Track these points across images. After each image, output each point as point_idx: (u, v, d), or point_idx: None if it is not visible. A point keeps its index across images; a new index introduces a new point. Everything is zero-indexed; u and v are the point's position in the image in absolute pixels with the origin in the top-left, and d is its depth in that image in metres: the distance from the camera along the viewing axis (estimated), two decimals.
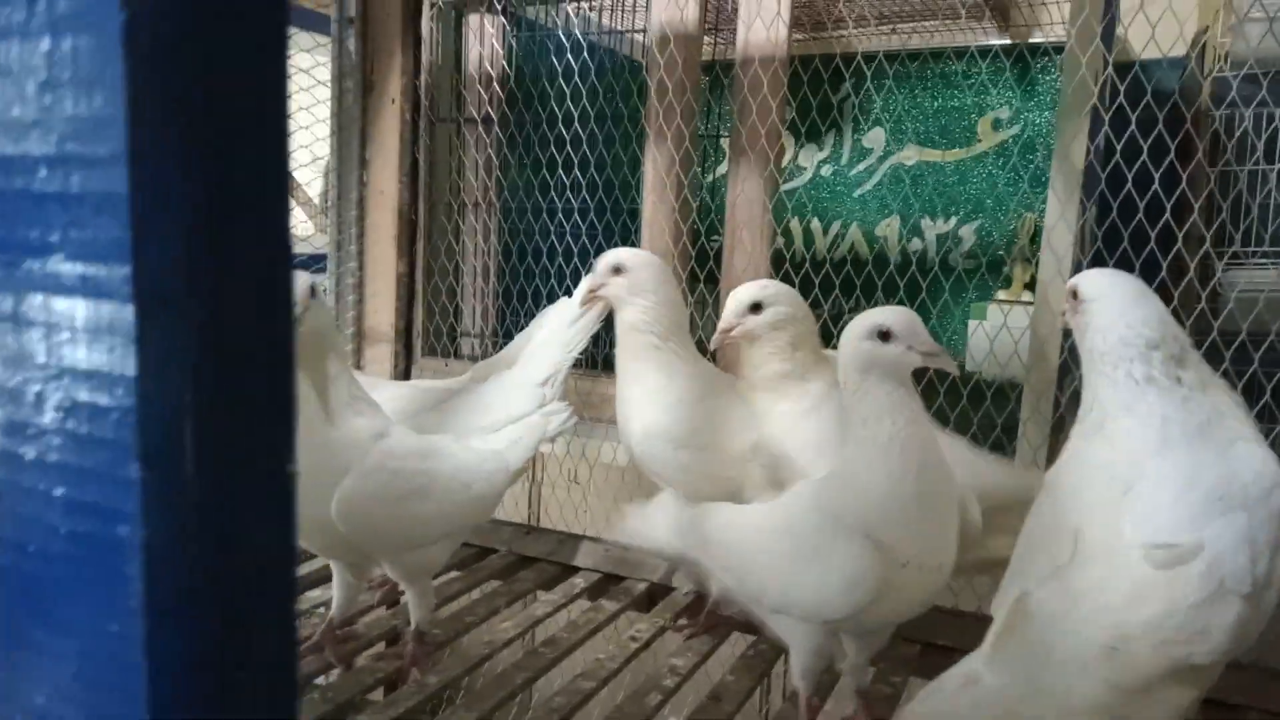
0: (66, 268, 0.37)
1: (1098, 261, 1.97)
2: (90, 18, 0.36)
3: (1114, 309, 1.18)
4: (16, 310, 0.39)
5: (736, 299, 1.36)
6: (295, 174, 3.40)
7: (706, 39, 2.43)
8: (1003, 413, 1.83)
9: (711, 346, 1.44)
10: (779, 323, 1.35)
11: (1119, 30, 2.47)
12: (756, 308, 1.34)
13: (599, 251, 2.02)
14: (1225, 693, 1.29)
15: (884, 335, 1.09)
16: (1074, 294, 1.23)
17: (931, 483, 1.11)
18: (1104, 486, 1.11)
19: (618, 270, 1.44)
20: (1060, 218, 1.68)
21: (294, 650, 0.46)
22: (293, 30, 2.49)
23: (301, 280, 1.17)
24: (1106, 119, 1.74)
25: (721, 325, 1.37)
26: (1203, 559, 1.00)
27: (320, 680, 1.37)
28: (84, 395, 0.37)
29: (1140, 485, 1.09)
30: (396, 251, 1.96)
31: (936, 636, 1.49)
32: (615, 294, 1.43)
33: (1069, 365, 1.71)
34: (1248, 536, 1.03)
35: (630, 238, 2.00)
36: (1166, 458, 1.11)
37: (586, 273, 1.71)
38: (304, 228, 3.14)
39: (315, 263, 2.00)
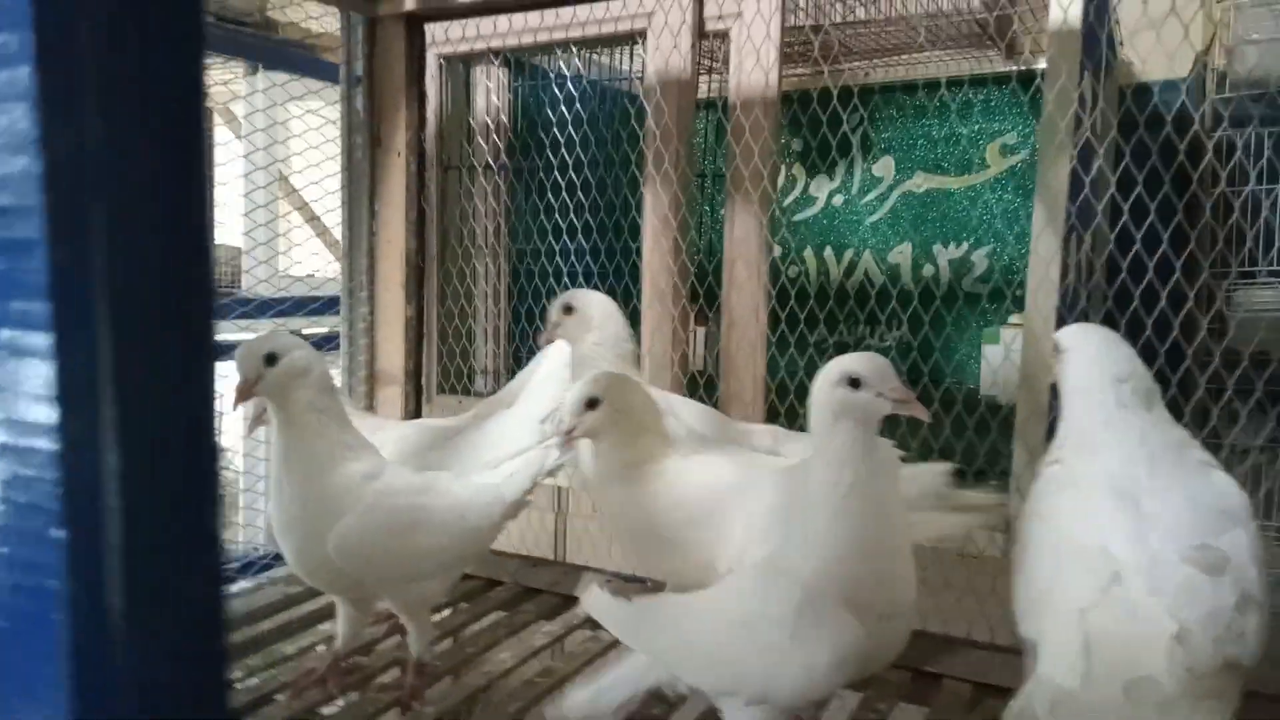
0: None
1: (1097, 290, 1.99)
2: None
3: (1088, 354, 1.30)
4: None
5: (572, 398, 1.37)
6: (324, 218, 3.52)
7: (708, 77, 2.51)
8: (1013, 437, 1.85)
9: (559, 448, 1.44)
10: (617, 415, 1.35)
11: (1123, 54, 2.50)
12: (593, 404, 1.34)
13: (604, 291, 2.09)
14: None
15: (854, 382, 1.10)
16: (1055, 347, 1.35)
17: (894, 528, 1.14)
18: (1111, 503, 1.16)
19: (568, 310, 1.56)
20: (1042, 241, 1.70)
21: (223, 685, 0.52)
22: (319, 84, 2.62)
23: (251, 355, 1.26)
24: (1101, 147, 1.77)
25: (563, 427, 1.37)
26: (1230, 570, 1.08)
27: (326, 710, 1.44)
28: (21, 470, 0.44)
29: (1148, 501, 1.16)
30: (404, 297, 2.06)
31: (925, 663, 1.52)
32: (567, 332, 1.57)
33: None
34: (1253, 550, 1.11)
35: (626, 277, 2.07)
36: (1159, 474, 1.19)
37: None
38: (332, 269, 3.26)
39: (330, 308, 2.10)
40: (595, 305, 1.59)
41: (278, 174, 3.02)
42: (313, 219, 3.27)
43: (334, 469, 1.30)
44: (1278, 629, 1.12)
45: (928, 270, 3.22)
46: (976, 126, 3.06)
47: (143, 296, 0.47)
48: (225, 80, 3.39)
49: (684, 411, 1.58)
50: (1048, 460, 1.31)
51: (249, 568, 2.23)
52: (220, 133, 4.28)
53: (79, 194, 0.44)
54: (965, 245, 3.16)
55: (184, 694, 0.48)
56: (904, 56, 2.89)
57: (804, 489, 1.16)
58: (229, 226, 3.20)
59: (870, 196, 3.31)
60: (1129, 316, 1.62)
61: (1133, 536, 1.12)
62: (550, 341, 1.63)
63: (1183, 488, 1.18)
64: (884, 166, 3.28)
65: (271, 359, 1.27)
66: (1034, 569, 1.20)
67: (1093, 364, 1.29)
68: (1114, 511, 1.15)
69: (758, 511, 1.30)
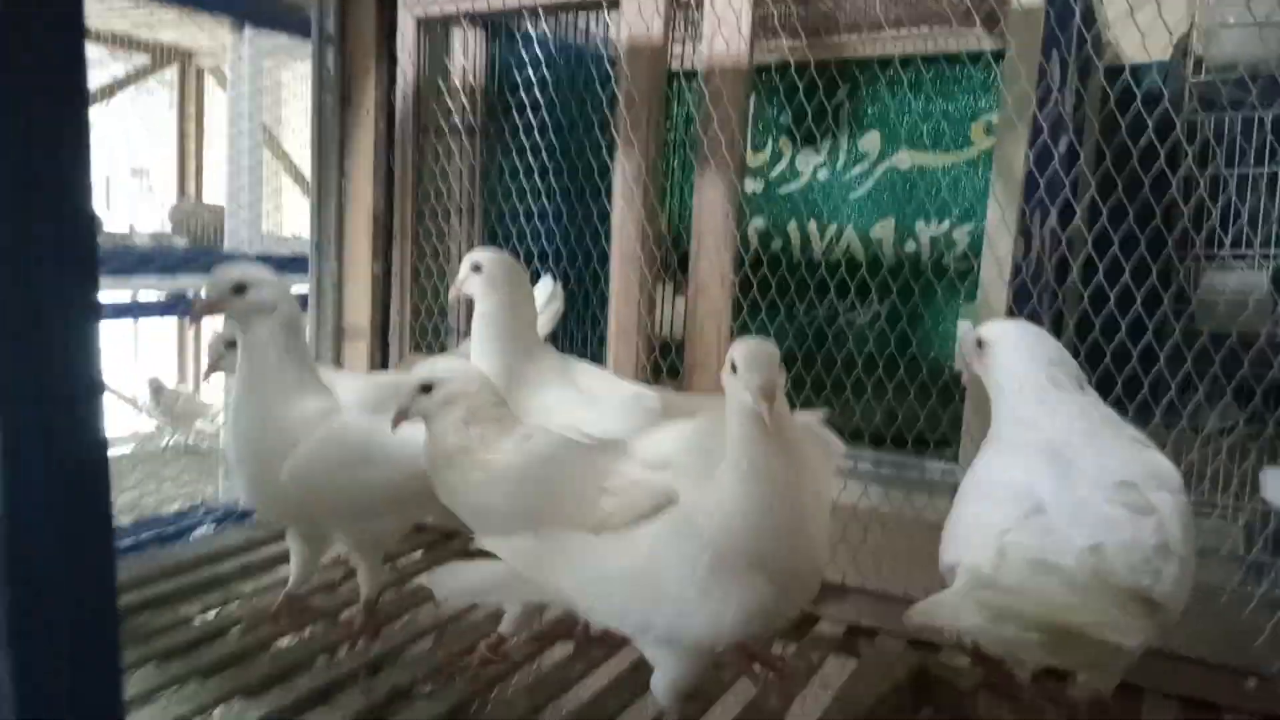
0: None
1: (1063, 264, 2.01)
2: None
3: (1017, 342, 1.34)
4: None
5: (408, 383, 1.37)
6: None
7: (687, 47, 2.51)
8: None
9: (392, 429, 1.38)
10: (450, 400, 1.34)
11: (1108, 36, 2.50)
12: (427, 389, 1.34)
13: (574, 253, 2.12)
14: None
15: (733, 367, 1.08)
16: (978, 342, 1.37)
17: (801, 494, 1.12)
18: (1047, 460, 1.21)
19: (476, 268, 1.60)
20: (1001, 222, 1.73)
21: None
22: (305, 42, 2.63)
23: (221, 280, 1.30)
24: (1070, 127, 1.79)
25: (396, 411, 1.35)
26: (1155, 517, 1.13)
27: (280, 644, 1.49)
28: None
29: (1082, 461, 1.20)
30: (372, 254, 2.09)
31: (861, 618, 1.56)
32: (473, 289, 1.61)
33: None
34: (1181, 513, 1.16)
35: (602, 240, 2.09)
36: (1094, 444, 1.24)
37: (561, 272, 1.79)
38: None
39: (295, 264, 2.13)
40: (501, 266, 1.63)
41: (264, 132, 3.03)
42: (300, 179, 3.29)
43: (292, 402, 1.36)
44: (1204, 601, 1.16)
45: (909, 246, 3.23)
46: (961, 104, 3.06)
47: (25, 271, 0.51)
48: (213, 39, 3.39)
49: (580, 374, 1.64)
50: (984, 443, 1.35)
51: (224, 520, 2.28)
52: (214, 94, 4.29)
53: None
54: (947, 222, 3.17)
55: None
56: (890, 31, 2.89)
57: (714, 456, 1.17)
58: (215, 185, 3.23)
59: (855, 171, 3.32)
60: (1094, 294, 1.64)
61: (1061, 483, 1.17)
62: (456, 298, 1.68)
63: (1117, 454, 1.22)
64: (870, 141, 3.28)
65: (240, 288, 1.33)
66: (961, 509, 1.26)
67: (1022, 350, 1.32)
68: (1046, 465, 1.20)
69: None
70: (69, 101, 0.51)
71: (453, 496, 1.36)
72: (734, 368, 1.08)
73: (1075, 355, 1.44)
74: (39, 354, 0.53)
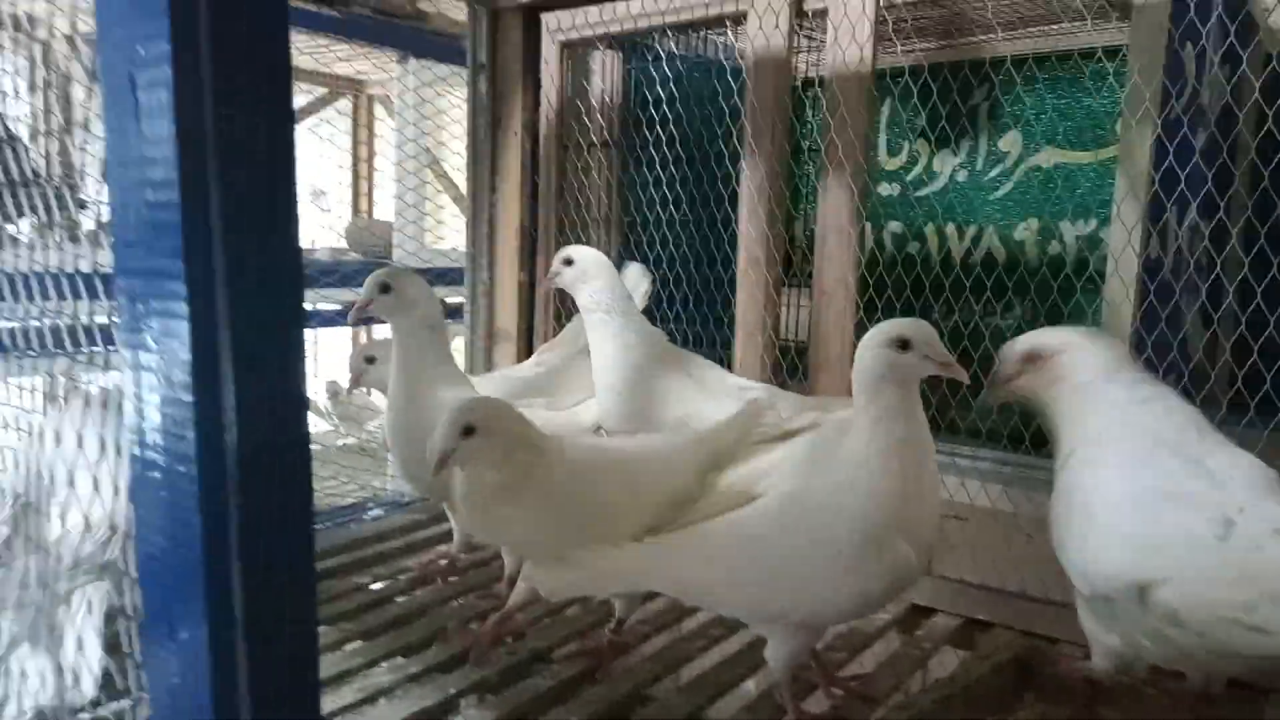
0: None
1: (1204, 260, 1.95)
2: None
3: (1094, 347, 1.31)
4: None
5: (446, 428, 1.33)
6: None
7: (811, 56, 2.58)
8: None
9: (432, 474, 1.37)
10: (491, 443, 1.33)
11: (1270, 21, 2.40)
12: (469, 431, 1.32)
13: (700, 258, 2.24)
14: None
15: (903, 344, 1.21)
16: (1030, 356, 1.32)
17: (928, 475, 1.24)
18: (1183, 462, 1.18)
19: (568, 262, 1.75)
20: (1123, 213, 1.71)
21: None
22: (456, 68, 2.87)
23: (371, 281, 1.56)
24: (1211, 117, 1.75)
25: (439, 455, 1.33)
26: None
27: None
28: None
29: (1210, 460, 1.18)
30: (519, 264, 2.29)
31: (977, 613, 1.60)
32: (565, 282, 1.75)
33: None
34: None
35: (726, 246, 2.20)
36: (1204, 438, 1.22)
37: (689, 276, 1.92)
38: None
39: (453, 275, 2.36)
40: (591, 259, 1.76)
41: (428, 155, 3.30)
42: (459, 198, 3.56)
43: (433, 389, 1.55)
44: None
45: (1054, 247, 3.16)
46: (1103, 100, 2.97)
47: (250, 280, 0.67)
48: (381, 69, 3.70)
49: (704, 372, 1.74)
50: (1064, 456, 1.30)
51: (394, 507, 2.52)
52: (384, 121, 4.66)
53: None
54: (1094, 221, 3.08)
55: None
56: (1025, 29, 2.85)
57: (847, 442, 1.26)
58: (385, 204, 3.53)
59: (995, 172, 3.27)
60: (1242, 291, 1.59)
61: (1214, 485, 1.14)
62: (548, 290, 1.83)
63: (1230, 453, 1.20)
64: (1009, 141, 3.22)
65: (385, 288, 1.55)
66: (1117, 518, 1.18)
67: (1102, 351, 1.30)
68: (1186, 467, 1.16)
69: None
70: (282, 142, 0.66)
71: (504, 530, 1.41)
72: (902, 345, 1.20)
73: (1220, 354, 1.40)
74: (265, 366, 0.68)
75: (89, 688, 1.14)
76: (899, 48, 2.89)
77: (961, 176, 3.35)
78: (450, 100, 3.22)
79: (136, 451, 0.67)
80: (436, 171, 3.61)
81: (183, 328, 0.63)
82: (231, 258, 0.64)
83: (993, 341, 2.95)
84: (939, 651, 1.50)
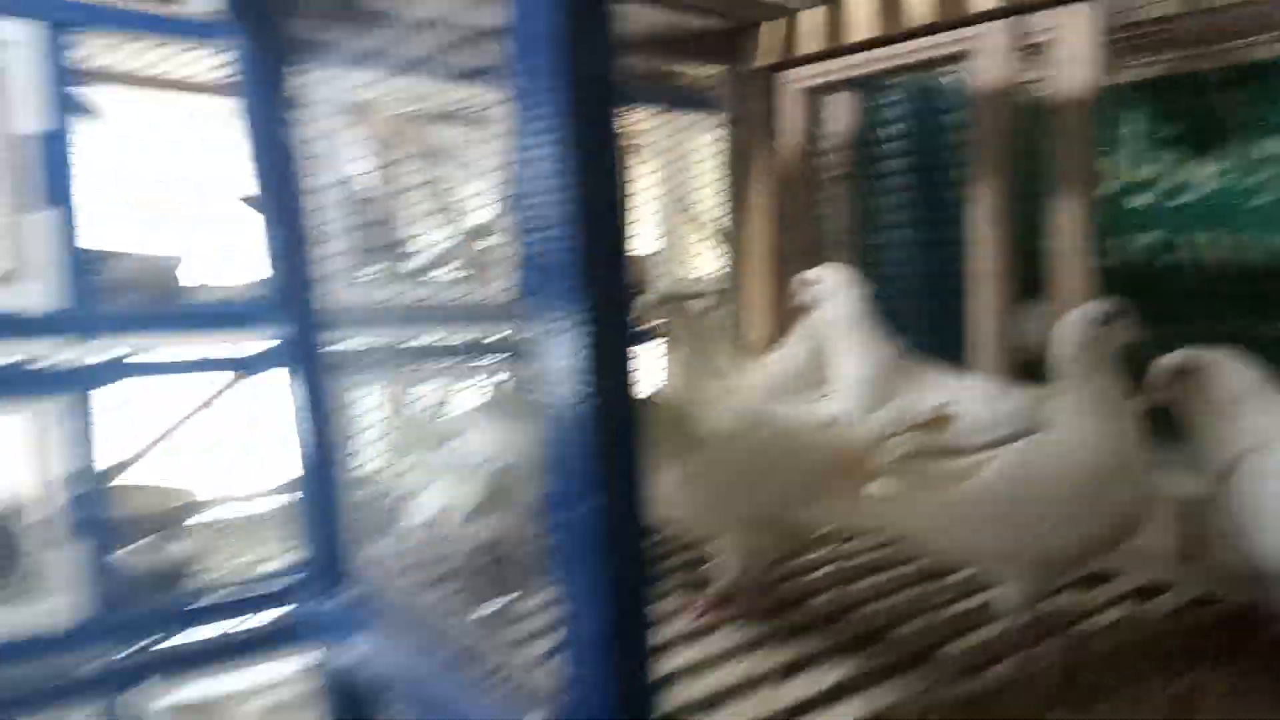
0: None
1: None
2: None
3: (1233, 360, 1.56)
4: None
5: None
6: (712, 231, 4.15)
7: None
8: None
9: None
10: None
11: None
12: None
13: (934, 275, 2.44)
14: None
15: (1105, 319, 1.43)
16: (1182, 369, 1.57)
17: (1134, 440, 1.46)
18: None
19: (814, 280, 2.01)
20: None
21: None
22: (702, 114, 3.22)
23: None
24: None
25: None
26: None
27: None
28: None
29: None
30: (766, 286, 2.61)
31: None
32: (815, 297, 2.00)
33: None
34: None
35: (957, 263, 2.37)
36: None
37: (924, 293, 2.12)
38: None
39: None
40: (835, 275, 2.00)
41: (679, 197, 3.69)
42: (702, 230, 3.93)
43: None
44: None
45: None
46: None
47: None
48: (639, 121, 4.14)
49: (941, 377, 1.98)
50: (1231, 457, 1.52)
51: None
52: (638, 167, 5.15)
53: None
54: None
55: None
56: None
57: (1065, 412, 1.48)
58: (641, 239, 3.96)
59: (1254, 179, 3.15)
60: None
61: None
62: (800, 305, 2.08)
63: None
64: (1269, 147, 3.10)
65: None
66: None
67: (1240, 364, 1.54)
68: None
69: None
70: (621, 196, 1.00)
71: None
72: (1105, 319, 1.43)
73: None
74: (600, 370, 0.98)
75: None
76: (1146, 58, 2.92)
77: (1217, 185, 3.25)
78: (695, 144, 3.58)
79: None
80: (686, 209, 4.00)
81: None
82: (601, 290, 0.97)
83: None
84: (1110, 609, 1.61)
